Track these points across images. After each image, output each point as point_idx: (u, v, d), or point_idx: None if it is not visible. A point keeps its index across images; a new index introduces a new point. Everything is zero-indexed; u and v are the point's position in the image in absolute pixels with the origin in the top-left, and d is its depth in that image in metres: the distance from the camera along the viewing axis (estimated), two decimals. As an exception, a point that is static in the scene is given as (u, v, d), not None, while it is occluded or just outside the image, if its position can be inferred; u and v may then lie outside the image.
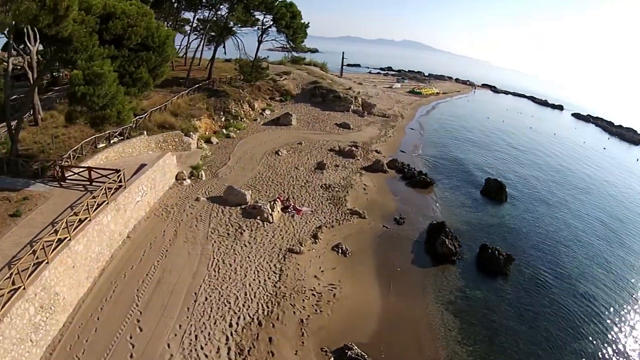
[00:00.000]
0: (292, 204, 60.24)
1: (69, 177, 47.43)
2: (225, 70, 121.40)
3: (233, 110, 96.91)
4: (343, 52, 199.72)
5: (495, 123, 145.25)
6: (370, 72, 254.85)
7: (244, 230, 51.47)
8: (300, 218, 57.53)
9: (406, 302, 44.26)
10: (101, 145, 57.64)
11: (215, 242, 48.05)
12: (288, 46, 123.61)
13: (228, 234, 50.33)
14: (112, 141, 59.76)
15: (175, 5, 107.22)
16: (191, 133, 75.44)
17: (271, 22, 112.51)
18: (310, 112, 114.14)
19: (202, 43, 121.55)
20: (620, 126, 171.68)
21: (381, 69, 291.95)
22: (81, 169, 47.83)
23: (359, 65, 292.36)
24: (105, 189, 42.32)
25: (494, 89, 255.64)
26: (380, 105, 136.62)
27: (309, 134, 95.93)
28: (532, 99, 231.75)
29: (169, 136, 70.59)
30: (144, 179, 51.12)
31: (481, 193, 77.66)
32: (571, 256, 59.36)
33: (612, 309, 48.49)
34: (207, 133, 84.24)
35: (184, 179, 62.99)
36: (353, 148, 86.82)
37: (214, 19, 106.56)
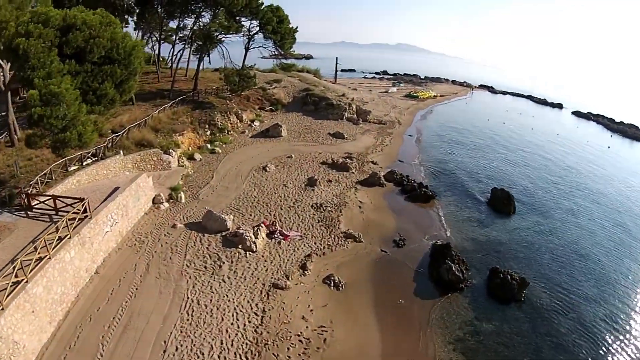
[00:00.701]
0: (279, 229, 54.11)
1: (35, 206, 43.41)
2: (212, 81, 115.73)
3: (219, 123, 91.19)
4: (337, 58, 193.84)
5: (496, 125, 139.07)
6: (365, 77, 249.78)
7: (224, 263, 45.81)
8: (288, 244, 51.44)
9: (409, 344, 38.42)
10: (73, 167, 53.63)
11: (190, 277, 42.72)
12: (276, 53, 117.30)
13: (205, 267, 44.79)
14: (84, 163, 55.47)
15: (157, 14, 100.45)
16: (171, 150, 70.26)
17: (257, 28, 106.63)
18: (302, 121, 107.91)
19: (187, 53, 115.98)
20: (622, 123, 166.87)
21: (376, 73, 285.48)
22: (46, 198, 43.66)
23: (353, 70, 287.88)
24: (66, 222, 38.12)
25: (491, 89, 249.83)
26: (376, 111, 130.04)
27: (300, 145, 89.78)
28: (531, 98, 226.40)
29: (147, 155, 65.39)
30: (113, 207, 46.54)
31: (487, 204, 71.35)
32: (589, 273, 53.32)
33: (642, 335, 42.40)
34: (190, 149, 78.91)
35: (162, 203, 57.58)
36: (347, 160, 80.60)
37: (198, 27, 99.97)
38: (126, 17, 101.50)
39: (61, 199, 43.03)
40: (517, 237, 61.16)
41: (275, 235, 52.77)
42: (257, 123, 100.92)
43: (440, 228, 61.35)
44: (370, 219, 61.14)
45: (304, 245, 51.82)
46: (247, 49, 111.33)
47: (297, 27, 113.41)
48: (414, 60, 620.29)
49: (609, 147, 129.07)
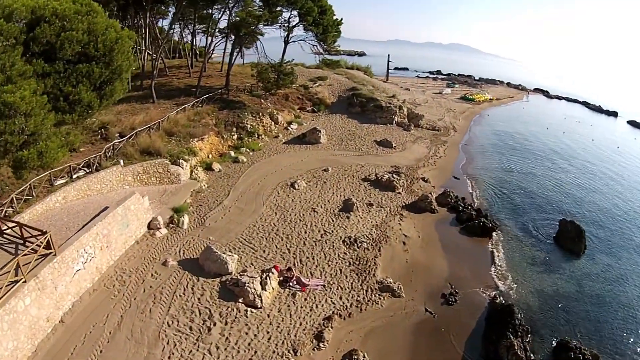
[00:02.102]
0: (295, 275, 40.40)
1: (5, 232, 35.23)
2: (249, 77, 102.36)
3: (249, 126, 78.19)
4: (388, 55, 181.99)
5: (555, 135, 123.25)
6: (418, 77, 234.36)
7: (215, 324, 33.59)
8: (305, 298, 38.07)
9: None
10: (59, 182, 44.36)
11: (168, 343, 31.50)
12: (318, 47, 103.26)
13: (190, 328, 33.09)
14: (75, 175, 46.15)
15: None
16: (181, 160, 58.08)
17: (297, 20, 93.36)
18: (346, 125, 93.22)
19: (226, 46, 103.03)
20: None
21: (430, 72, 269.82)
22: (12, 224, 35.09)
23: (406, 69, 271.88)
24: (18, 264, 29.93)
25: (546, 93, 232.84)
26: (429, 114, 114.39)
27: (339, 155, 75.59)
28: (586, 104, 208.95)
29: (151, 166, 54.51)
30: (88, 239, 36.47)
31: (554, 240, 57.04)
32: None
33: None
34: (210, 156, 66.87)
35: (158, 229, 45.99)
36: (394, 176, 66.36)
37: (229, 16, 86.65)
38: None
39: (27, 228, 33.91)
40: (587, 289, 47.22)
41: (290, 284, 39.42)
42: (294, 126, 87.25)
43: (501, 274, 47.48)
44: (416, 260, 47.14)
45: (326, 299, 38.34)
46: (286, 43, 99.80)
47: (341, 19, 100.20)
48: (467, 60, 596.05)
49: None
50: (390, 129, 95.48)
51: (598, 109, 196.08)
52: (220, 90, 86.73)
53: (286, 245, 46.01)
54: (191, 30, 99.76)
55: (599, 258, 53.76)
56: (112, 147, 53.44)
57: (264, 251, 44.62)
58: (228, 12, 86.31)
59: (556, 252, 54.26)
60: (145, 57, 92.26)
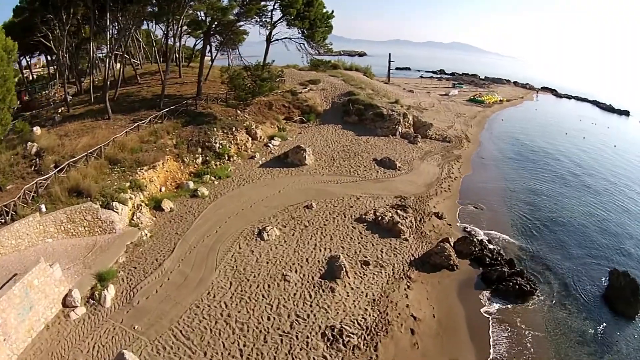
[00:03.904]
0: None
1: None
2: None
3: (217, 145, 62.18)
4: (390, 54, 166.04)
5: (576, 142, 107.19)
6: (422, 77, 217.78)
7: None
8: None
9: None
10: None
11: None
12: (306, 46, 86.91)
13: None
14: None
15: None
16: (115, 203, 43.30)
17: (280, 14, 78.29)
18: (339, 138, 75.79)
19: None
20: None
21: (433, 72, 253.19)
22: None
23: (409, 69, 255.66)
24: None
25: (555, 92, 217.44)
26: (438, 121, 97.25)
27: (329, 182, 58.81)
28: (597, 103, 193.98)
29: (76, 213, 41.27)
30: None
31: (604, 300, 41.56)
32: None
33: None
34: (164, 189, 52.06)
35: (74, 307, 32.78)
36: (399, 212, 50.37)
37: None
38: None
39: None
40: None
41: None
42: (276, 142, 70.44)
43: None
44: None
45: None
46: (268, 42, 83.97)
47: (332, 12, 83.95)
48: (469, 59, 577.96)
49: None
50: (394, 142, 78.18)
51: (609, 108, 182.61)
52: (186, 101, 70.13)
53: (239, 344, 30.10)
54: (165, 32, 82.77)
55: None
56: (35, 186, 42.21)
57: (205, 354, 28.95)
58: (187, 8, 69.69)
59: (608, 319, 39.05)
60: (114, 64, 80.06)
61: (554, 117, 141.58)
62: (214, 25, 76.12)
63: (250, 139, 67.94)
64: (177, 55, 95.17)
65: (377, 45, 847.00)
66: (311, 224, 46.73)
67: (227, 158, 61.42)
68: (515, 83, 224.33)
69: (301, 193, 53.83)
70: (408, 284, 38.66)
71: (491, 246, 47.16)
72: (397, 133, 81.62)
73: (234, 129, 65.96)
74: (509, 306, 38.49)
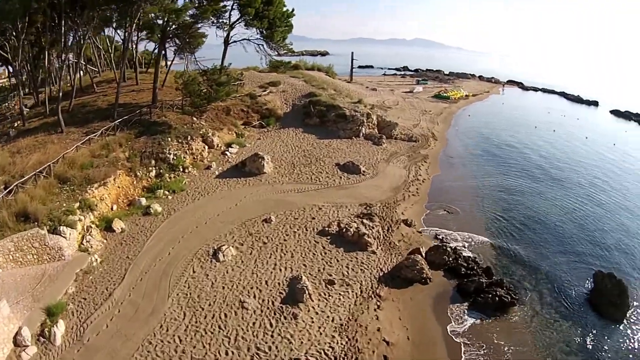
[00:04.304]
0: None
1: None
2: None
3: (171, 156, 58.11)
4: (352, 53, 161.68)
5: (547, 135, 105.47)
6: (385, 74, 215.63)
7: None
8: None
9: None
10: None
11: None
12: (265, 47, 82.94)
13: None
14: None
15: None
16: (63, 228, 39.27)
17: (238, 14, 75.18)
18: (300, 143, 72.23)
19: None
20: None
21: (397, 69, 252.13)
22: None
23: (371, 67, 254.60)
24: None
25: (521, 85, 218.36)
26: (403, 120, 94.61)
27: (289, 191, 55.13)
28: (564, 95, 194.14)
29: (23, 240, 37.18)
30: None
31: (589, 304, 39.16)
32: None
33: None
34: (116, 207, 48.09)
35: (25, 347, 29.24)
36: (365, 222, 47.07)
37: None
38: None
39: None
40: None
41: None
42: (234, 149, 66.58)
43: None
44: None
45: None
46: (226, 44, 79.69)
47: (293, 11, 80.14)
48: (433, 55, 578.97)
49: None
50: (357, 144, 74.85)
51: (577, 99, 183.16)
52: (139, 110, 65.94)
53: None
54: (123, 37, 78.51)
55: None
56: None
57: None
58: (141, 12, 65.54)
59: (596, 324, 36.75)
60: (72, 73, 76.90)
61: (522, 111, 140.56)
62: (169, 29, 72.12)
63: (206, 147, 64.08)
64: (135, 61, 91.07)
65: (340, 44, 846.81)
66: (270, 240, 43.08)
67: (182, 170, 57.54)
68: (481, 77, 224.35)
69: (259, 205, 50.21)
70: (378, 303, 35.38)
71: (466, 254, 44.25)
72: (361, 134, 78.40)
73: (189, 138, 62.07)
74: (489, 320, 35.63)
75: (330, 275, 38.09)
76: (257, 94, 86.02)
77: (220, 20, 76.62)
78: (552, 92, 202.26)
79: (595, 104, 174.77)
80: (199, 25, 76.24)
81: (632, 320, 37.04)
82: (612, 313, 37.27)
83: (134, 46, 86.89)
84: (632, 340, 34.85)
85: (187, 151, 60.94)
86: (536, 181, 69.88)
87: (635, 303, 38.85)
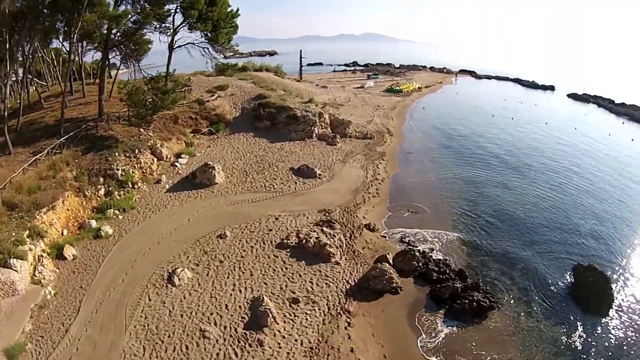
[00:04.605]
0: None
1: None
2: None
3: (120, 172, 54.23)
4: (300, 51, 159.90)
5: (506, 124, 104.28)
6: (334, 71, 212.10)
7: None
8: None
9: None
10: None
11: None
12: (210, 50, 79.80)
13: None
14: None
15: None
16: (12, 260, 36.08)
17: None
18: (252, 148, 68.96)
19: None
20: (624, 104, 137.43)
21: (346, 65, 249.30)
22: None
23: (321, 64, 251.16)
24: None
25: (474, 74, 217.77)
26: (356, 117, 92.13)
27: (243, 202, 51.80)
28: (519, 81, 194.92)
29: None
30: None
31: (574, 300, 37.28)
32: None
33: None
34: (66, 232, 44.22)
35: None
36: (324, 231, 44.30)
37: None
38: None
39: None
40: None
41: None
42: (183, 160, 63.04)
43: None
44: None
45: None
46: (170, 49, 76.40)
47: (237, 11, 77.09)
48: (383, 49, 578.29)
49: (632, 139, 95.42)
50: (311, 145, 72.06)
51: (533, 85, 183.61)
52: (86, 125, 61.83)
53: None
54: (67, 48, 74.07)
55: (626, 321, 35.12)
56: None
57: None
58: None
59: (581, 319, 34.97)
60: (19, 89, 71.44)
61: (478, 100, 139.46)
62: (113, 37, 68.23)
63: (155, 159, 60.39)
64: (82, 73, 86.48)
65: (288, 42, 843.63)
66: (227, 257, 39.87)
67: (131, 186, 53.82)
68: (432, 68, 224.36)
69: (213, 219, 46.87)
70: (348, 320, 32.71)
71: (436, 256, 42.03)
72: (314, 135, 75.57)
73: (137, 151, 58.20)
74: (468, 327, 33.38)
75: (294, 292, 35.22)
76: (205, 99, 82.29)
77: (164, 25, 73.19)
78: (507, 79, 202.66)
79: (551, 88, 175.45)
80: (144, 32, 73.26)
81: (618, 311, 35.74)
82: (596, 306, 35.80)
83: (79, 57, 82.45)
84: (621, 332, 33.49)
85: (136, 165, 57.11)
86: (499, 172, 68.28)
87: (618, 293, 37.70)
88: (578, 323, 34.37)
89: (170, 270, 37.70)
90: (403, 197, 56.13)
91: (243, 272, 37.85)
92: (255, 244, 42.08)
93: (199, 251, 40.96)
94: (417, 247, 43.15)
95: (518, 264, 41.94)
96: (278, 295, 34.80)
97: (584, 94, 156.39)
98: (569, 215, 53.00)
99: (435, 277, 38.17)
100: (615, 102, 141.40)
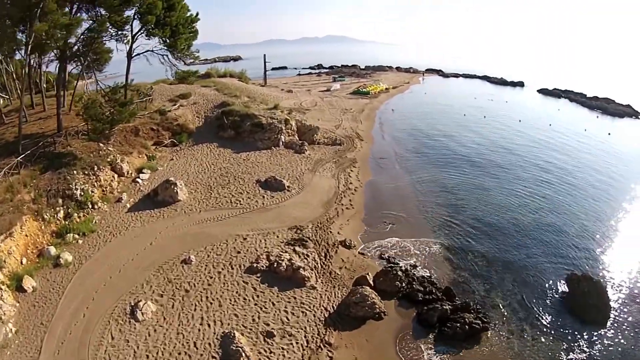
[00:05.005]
0: None
1: None
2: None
3: (79, 192, 49.52)
4: (264, 55, 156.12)
5: (478, 123, 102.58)
6: (299, 74, 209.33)
7: None
8: None
9: None
10: None
11: None
12: (169, 57, 75.93)
13: None
14: None
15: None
16: None
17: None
18: (216, 160, 65.10)
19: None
20: (596, 97, 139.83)
21: (311, 68, 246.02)
22: None
23: (285, 68, 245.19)
24: None
25: (441, 73, 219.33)
26: (324, 122, 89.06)
27: (208, 220, 47.86)
28: (487, 78, 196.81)
29: None
30: None
31: (569, 311, 35.05)
32: None
33: None
34: (27, 260, 40.18)
35: None
36: (297, 251, 40.97)
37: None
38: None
39: None
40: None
41: None
42: (145, 175, 58.96)
43: None
44: None
45: None
46: (129, 57, 71.80)
47: (197, 15, 73.56)
48: (346, 50, 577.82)
49: (609, 134, 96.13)
50: (278, 154, 68.52)
51: (501, 82, 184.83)
52: (43, 142, 57.11)
53: None
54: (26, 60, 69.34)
55: (624, 333, 32.94)
56: None
57: None
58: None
59: (580, 332, 32.84)
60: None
61: (447, 99, 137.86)
62: (69, 46, 63.96)
63: (116, 176, 56.06)
64: (41, 85, 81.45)
65: (252, 47, 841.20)
66: (193, 286, 36.05)
67: (90, 206, 49.43)
68: (398, 68, 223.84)
69: (177, 242, 42.95)
70: (330, 354, 29.32)
71: (419, 273, 38.97)
72: (280, 143, 72.11)
73: (96, 168, 53.66)
74: (460, 354, 30.44)
75: (268, 324, 31.64)
76: (167, 109, 78.02)
77: (121, 33, 69.11)
78: (474, 76, 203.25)
79: (520, 84, 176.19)
80: (102, 41, 69.71)
81: (617, 320, 33.92)
82: (594, 316, 33.87)
83: (38, 68, 77.83)
84: (622, 341, 31.68)
85: (95, 183, 52.59)
86: (476, 175, 65.85)
87: (616, 301, 35.90)
88: (576, 335, 32.31)
89: (132, 303, 33.82)
90: (379, 208, 53.08)
91: (211, 303, 34.10)
92: (222, 269, 38.31)
93: (163, 280, 37.07)
94: (398, 264, 40.03)
95: (507, 276, 39.44)
96: (250, 329, 31.21)
97: (555, 89, 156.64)
98: (554, 218, 50.88)
99: (421, 298, 35.13)
100: (587, 95, 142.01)
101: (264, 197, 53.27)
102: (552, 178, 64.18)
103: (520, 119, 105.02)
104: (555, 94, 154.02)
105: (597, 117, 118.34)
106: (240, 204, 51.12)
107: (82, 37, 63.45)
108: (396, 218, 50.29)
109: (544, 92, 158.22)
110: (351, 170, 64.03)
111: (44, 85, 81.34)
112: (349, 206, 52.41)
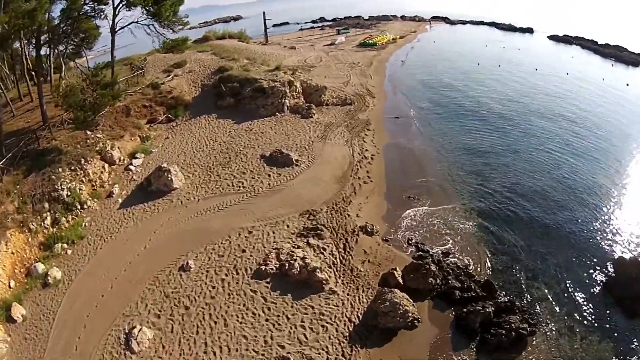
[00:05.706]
0: None
1: None
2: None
3: (65, 193, 43.68)
4: (264, 12, 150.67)
5: (493, 72, 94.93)
6: (302, 29, 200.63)
7: None
8: None
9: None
10: None
11: None
12: (155, 27, 69.10)
13: None
14: None
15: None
16: None
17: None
18: (215, 134, 59.06)
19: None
20: (608, 45, 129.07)
21: (313, 21, 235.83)
22: None
23: (287, 23, 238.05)
24: None
25: (447, 20, 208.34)
26: (331, 80, 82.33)
27: (208, 210, 42.08)
28: (495, 24, 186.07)
29: None
30: None
31: (617, 303, 29.52)
32: None
33: None
34: (15, 282, 35.45)
35: None
36: (311, 244, 35.34)
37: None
38: None
39: None
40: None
41: None
42: (138, 160, 53.07)
43: None
44: None
45: None
46: (113, 32, 65.39)
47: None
48: (349, 0, 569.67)
49: (627, 84, 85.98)
50: (283, 121, 62.21)
51: (510, 28, 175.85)
52: (24, 140, 50.98)
53: None
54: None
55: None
56: None
57: None
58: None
59: (632, 329, 27.66)
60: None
61: (458, 47, 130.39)
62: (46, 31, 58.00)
63: (106, 166, 50.14)
64: (25, 73, 74.96)
65: (252, 5, 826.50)
66: (193, 301, 30.60)
67: (79, 207, 43.95)
68: (403, 17, 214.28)
69: (173, 241, 37.42)
70: (355, 388, 23.79)
71: (454, 263, 33.28)
72: (285, 108, 65.65)
73: (83, 161, 47.65)
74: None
75: (283, 346, 26.28)
76: (160, 81, 71.59)
77: (98, 8, 62.82)
78: (482, 23, 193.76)
79: (530, 31, 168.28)
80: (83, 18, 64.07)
81: None
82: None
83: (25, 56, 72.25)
84: None
85: (84, 179, 46.78)
86: (502, 134, 59.45)
87: None
88: (626, 335, 27.32)
89: (127, 330, 28.70)
90: (400, 178, 47.33)
91: (215, 322, 28.66)
92: (226, 276, 32.66)
93: (159, 295, 31.61)
94: (429, 251, 34.29)
95: (550, 258, 34.05)
96: (262, 354, 25.84)
97: (565, 35, 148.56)
98: (597, 187, 44.55)
99: (458, 297, 29.70)
100: (599, 43, 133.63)
101: (269, 175, 47.30)
102: (584, 137, 57.41)
103: (536, 67, 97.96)
104: (567, 40, 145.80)
105: (612, 65, 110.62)
106: (244, 187, 45.24)
107: (59, 19, 57.75)
108: (420, 189, 44.70)
109: (554, 38, 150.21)
110: (365, 134, 58.05)
111: (27, 75, 74.81)
112: (366, 179, 46.47)
